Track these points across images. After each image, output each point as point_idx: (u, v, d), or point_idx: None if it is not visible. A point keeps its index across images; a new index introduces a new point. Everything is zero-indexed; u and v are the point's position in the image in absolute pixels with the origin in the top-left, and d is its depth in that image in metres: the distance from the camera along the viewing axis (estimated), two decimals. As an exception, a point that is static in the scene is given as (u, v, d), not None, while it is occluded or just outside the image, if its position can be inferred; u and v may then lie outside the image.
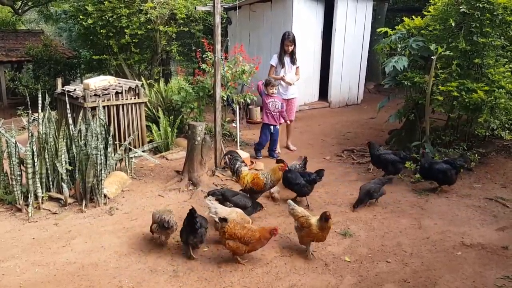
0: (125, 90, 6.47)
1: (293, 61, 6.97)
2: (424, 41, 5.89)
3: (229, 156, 5.23)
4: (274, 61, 7.03)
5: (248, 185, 4.74)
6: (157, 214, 3.93)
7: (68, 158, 5.11)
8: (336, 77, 10.64)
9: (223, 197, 4.38)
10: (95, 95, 6.17)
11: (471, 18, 5.47)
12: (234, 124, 7.53)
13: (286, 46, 6.85)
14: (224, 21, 11.33)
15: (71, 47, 17.02)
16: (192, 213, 3.76)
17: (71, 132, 5.26)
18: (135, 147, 6.40)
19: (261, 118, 7.01)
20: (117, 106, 6.42)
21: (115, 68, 10.87)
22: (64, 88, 6.89)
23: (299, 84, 7.64)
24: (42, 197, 4.88)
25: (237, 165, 5.04)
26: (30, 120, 4.94)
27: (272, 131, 6.82)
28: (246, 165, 5.11)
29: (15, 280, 3.51)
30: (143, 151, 6.16)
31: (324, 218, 3.67)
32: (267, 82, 6.80)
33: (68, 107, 5.50)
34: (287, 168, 4.86)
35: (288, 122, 7.05)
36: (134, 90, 6.65)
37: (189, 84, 7.87)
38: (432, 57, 5.54)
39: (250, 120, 9.34)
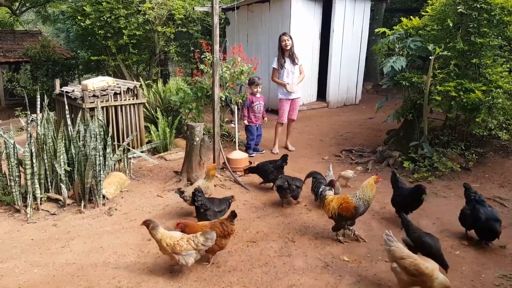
0: (124, 91, 6.46)
1: (293, 61, 6.93)
2: (422, 41, 5.90)
3: (312, 178, 4.65)
4: (275, 63, 7.03)
5: (335, 212, 3.99)
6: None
7: (67, 159, 5.11)
8: (334, 77, 10.65)
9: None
10: (94, 96, 6.17)
11: (469, 18, 5.49)
12: (232, 125, 7.54)
13: (283, 42, 6.80)
14: (222, 21, 11.33)
15: (69, 48, 16.99)
16: (193, 192, 4.27)
17: (70, 133, 5.26)
18: (133, 147, 6.40)
19: (243, 117, 7.05)
20: (116, 107, 6.42)
21: (113, 69, 10.87)
22: (62, 89, 6.89)
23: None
24: (41, 198, 4.87)
25: (320, 189, 4.34)
26: (29, 121, 4.94)
27: (256, 127, 7.11)
28: (331, 189, 4.33)
29: (14, 281, 3.50)
30: (142, 152, 6.16)
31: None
32: (250, 81, 6.97)
33: (66, 107, 5.50)
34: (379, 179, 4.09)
35: (266, 119, 7.25)
36: (133, 91, 6.65)
37: (187, 85, 7.88)
38: (430, 57, 5.55)
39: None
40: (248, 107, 6.99)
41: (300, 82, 7.15)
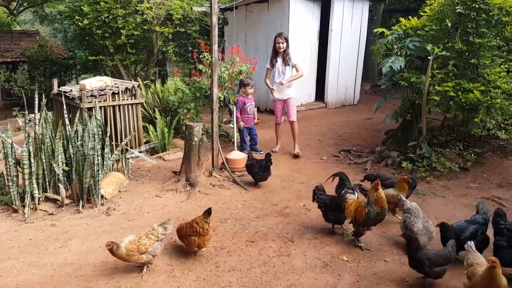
0: (122, 91, 6.45)
1: (285, 62, 6.75)
2: (420, 41, 5.91)
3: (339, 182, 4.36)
4: (268, 63, 6.99)
5: (352, 215, 3.96)
6: None
7: (65, 159, 5.09)
8: (332, 77, 10.66)
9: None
10: (92, 95, 6.15)
11: (467, 19, 5.50)
12: (231, 125, 7.53)
13: (277, 44, 6.69)
14: (220, 21, 11.32)
15: (67, 48, 16.95)
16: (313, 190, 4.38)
17: (68, 133, 5.24)
18: (132, 147, 6.38)
19: (237, 120, 7.00)
20: (114, 106, 6.40)
21: (111, 69, 10.83)
22: (60, 89, 6.88)
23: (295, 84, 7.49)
24: (39, 198, 4.85)
25: (342, 191, 4.20)
26: (26, 121, 4.91)
27: (250, 128, 7.11)
28: (353, 192, 4.20)
29: (12, 281, 3.49)
30: (140, 152, 6.15)
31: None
32: (244, 82, 6.96)
33: (64, 107, 5.48)
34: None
35: (258, 120, 7.11)
36: (131, 91, 6.63)
37: (185, 85, 7.86)
38: (429, 57, 5.56)
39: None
40: (241, 109, 6.95)
41: (295, 79, 6.87)
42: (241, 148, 7.03)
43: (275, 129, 7.33)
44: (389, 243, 4.06)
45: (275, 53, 6.84)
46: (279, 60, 6.83)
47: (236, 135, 6.98)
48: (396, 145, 6.61)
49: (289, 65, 6.82)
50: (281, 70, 6.84)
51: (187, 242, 3.76)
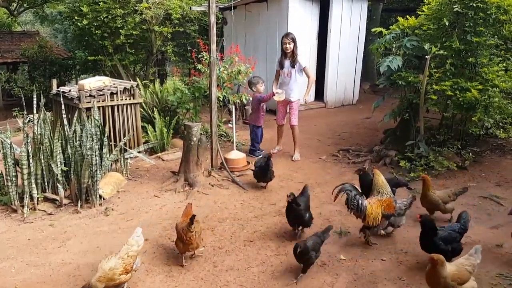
0: (120, 91, 6.46)
1: (292, 64, 6.49)
2: (418, 40, 5.92)
3: (348, 194, 4.00)
4: (277, 65, 6.81)
5: (378, 218, 3.87)
6: None
7: (64, 159, 5.10)
8: (331, 77, 10.66)
9: None
10: (90, 95, 6.16)
11: (465, 18, 5.51)
12: (230, 125, 7.53)
13: (284, 44, 6.46)
14: (219, 21, 11.33)
15: (66, 48, 16.99)
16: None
17: (66, 133, 5.25)
18: (130, 147, 6.38)
19: (251, 120, 7.07)
20: (112, 106, 6.41)
21: (110, 68, 10.86)
22: (59, 89, 6.88)
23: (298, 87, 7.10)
24: (38, 198, 4.87)
25: (360, 202, 3.92)
26: (25, 121, 4.92)
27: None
28: (365, 198, 4.03)
29: (10, 280, 3.50)
30: (139, 152, 6.16)
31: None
32: (253, 81, 6.94)
33: (63, 107, 5.50)
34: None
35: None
36: (129, 91, 6.64)
37: (184, 85, 7.87)
38: (426, 57, 5.57)
39: (246, 121, 9.35)
40: (256, 108, 6.93)
41: (310, 87, 6.65)
42: (254, 149, 7.04)
43: (277, 130, 7.26)
44: (386, 242, 4.07)
45: (283, 54, 6.61)
46: (287, 62, 6.56)
47: (235, 135, 6.97)
48: (394, 144, 6.61)
49: (295, 67, 6.54)
50: (286, 73, 6.61)
51: (176, 243, 3.72)
